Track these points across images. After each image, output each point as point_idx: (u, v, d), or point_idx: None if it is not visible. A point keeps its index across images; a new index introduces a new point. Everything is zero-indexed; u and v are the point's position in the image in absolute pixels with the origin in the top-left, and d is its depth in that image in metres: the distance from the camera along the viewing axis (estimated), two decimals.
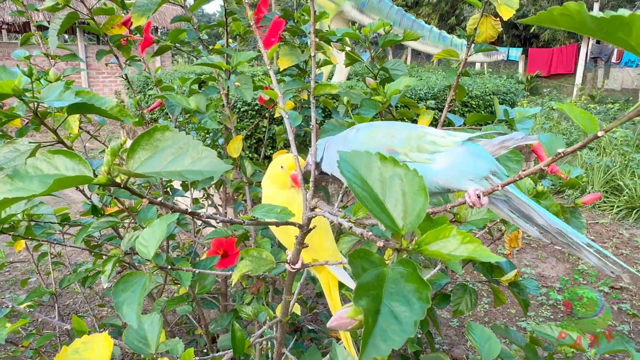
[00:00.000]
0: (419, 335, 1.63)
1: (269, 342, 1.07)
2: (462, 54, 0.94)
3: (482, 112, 4.07)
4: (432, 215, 0.53)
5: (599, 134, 0.40)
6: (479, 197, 0.53)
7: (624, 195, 4.28)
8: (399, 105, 0.99)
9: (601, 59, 11.38)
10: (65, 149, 0.43)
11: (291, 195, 0.77)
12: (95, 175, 0.42)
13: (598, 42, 12.12)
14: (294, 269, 0.67)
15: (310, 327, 1.81)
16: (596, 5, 10.96)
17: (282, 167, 0.77)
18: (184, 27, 1.36)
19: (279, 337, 0.77)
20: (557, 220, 0.58)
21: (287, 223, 0.59)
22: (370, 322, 0.34)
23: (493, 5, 0.83)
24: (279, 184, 0.78)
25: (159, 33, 10.08)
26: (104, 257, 1.43)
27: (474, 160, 0.59)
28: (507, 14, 0.80)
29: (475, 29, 0.89)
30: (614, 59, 11.03)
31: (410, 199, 0.40)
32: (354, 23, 5.77)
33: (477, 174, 0.58)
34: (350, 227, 0.48)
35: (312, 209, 0.62)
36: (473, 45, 0.91)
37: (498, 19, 0.86)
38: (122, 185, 0.42)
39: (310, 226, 0.63)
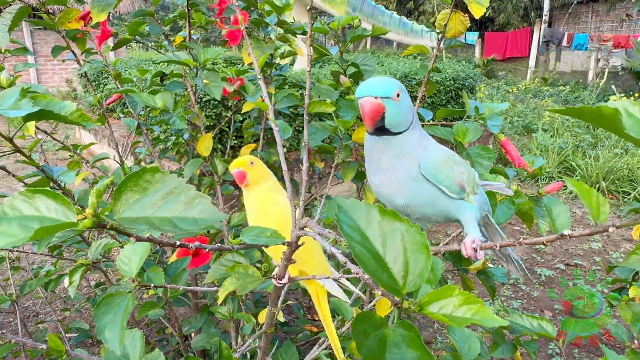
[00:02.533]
0: None
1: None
2: (422, 40, 0.95)
3: (443, 97, 4.14)
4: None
5: (610, 229, 0.41)
6: (475, 250, 0.59)
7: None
8: None
9: (553, 42, 11.76)
10: (47, 189, 0.39)
11: (282, 211, 0.74)
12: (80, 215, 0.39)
13: (549, 25, 12.51)
14: (280, 283, 0.67)
15: (283, 320, 1.81)
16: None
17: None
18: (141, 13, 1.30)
19: (263, 346, 0.77)
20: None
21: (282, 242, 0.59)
22: None
23: (463, 1, 0.83)
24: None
25: (110, 17, 9.67)
26: (65, 259, 1.37)
27: (484, 202, 0.69)
28: (478, 12, 0.81)
29: (445, 25, 0.90)
30: (564, 43, 11.42)
31: (412, 257, 0.40)
32: (314, 8, 5.70)
33: (485, 210, 0.70)
34: (345, 262, 0.48)
35: (302, 228, 0.62)
36: (443, 40, 0.92)
37: (467, 14, 0.87)
38: (108, 227, 0.40)
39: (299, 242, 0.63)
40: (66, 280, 0.95)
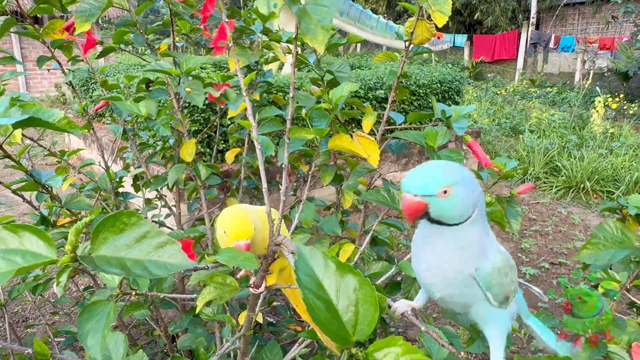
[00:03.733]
0: None
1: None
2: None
3: (429, 100, 4.20)
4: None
5: None
6: None
7: (561, 176, 4.55)
8: (345, 106, 1.03)
9: (540, 44, 11.91)
10: (34, 226, 0.43)
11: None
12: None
13: (537, 28, 12.67)
14: (257, 292, 0.70)
15: (269, 321, 1.85)
16: None
17: (224, 232, 0.70)
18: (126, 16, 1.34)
19: (242, 347, 0.80)
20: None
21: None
22: None
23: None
24: (221, 245, 0.73)
25: (99, 21, 9.65)
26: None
27: (521, 301, 0.68)
28: (440, 20, 0.85)
29: (412, 32, 0.94)
30: (551, 45, 11.58)
31: (362, 308, 0.43)
32: None
33: (520, 310, 0.69)
34: None
35: (277, 245, 0.66)
36: (411, 47, 0.96)
37: (432, 22, 0.91)
38: (82, 264, 0.43)
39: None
40: (55, 285, 0.97)
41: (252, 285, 0.71)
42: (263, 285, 0.71)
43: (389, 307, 0.67)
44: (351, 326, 0.43)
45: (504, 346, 0.62)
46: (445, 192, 0.53)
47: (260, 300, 0.95)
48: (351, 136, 0.90)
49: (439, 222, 0.55)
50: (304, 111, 0.88)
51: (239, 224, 0.68)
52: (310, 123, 0.87)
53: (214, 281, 0.70)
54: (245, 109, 0.80)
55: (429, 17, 0.96)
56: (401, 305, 0.67)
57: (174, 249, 0.43)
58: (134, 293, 0.83)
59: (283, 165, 0.77)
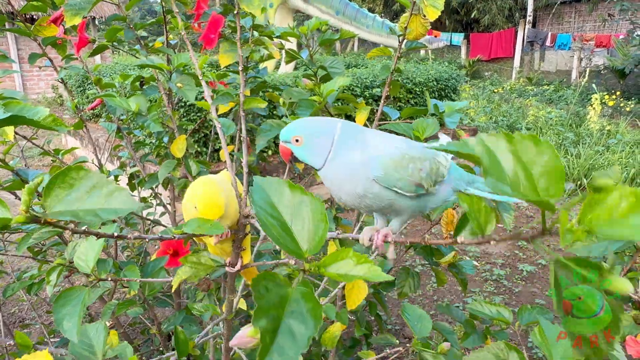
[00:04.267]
0: (369, 319, 1.70)
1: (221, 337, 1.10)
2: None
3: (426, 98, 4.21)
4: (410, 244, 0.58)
5: (492, 242, 0.47)
6: (388, 242, 0.64)
7: None
8: (338, 101, 1.03)
9: (537, 42, 11.93)
10: None
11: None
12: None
13: (533, 26, 12.69)
14: (232, 270, 0.70)
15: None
16: None
17: (195, 207, 0.69)
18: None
19: (225, 333, 0.80)
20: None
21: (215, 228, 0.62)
22: (267, 341, 0.38)
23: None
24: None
25: (96, 22, 9.63)
26: (49, 263, 1.39)
27: (454, 182, 0.71)
28: (433, 15, 0.85)
29: (406, 27, 0.94)
30: (548, 43, 11.59)
31: (313, 225, 0.45)
32: (297, 12, 5.75)
33: (466, 180, 0.72)
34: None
35: (246, 217, 0.66)
36: (405, 42, 0.96)
37: (427, 18, 0.91)
38: (42, 222, 0.44)
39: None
40: (49, 288, 0.97)
41: (228, 265, 0.71)
42: (239, 264, 0.71)
43: (357, 240, 0.68)
44: (305, 241, 0.45)
45: (403, 220, 0.68)
46: (297, 140, 0.64)
47: (242, 285, 0.95)
48: None
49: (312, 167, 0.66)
50: (281, 100, 0.89)
51: (209, 201, 0.67)
52: (294, 111, 0.87)
53: (189, 261, 0.70)
54: (236, 105, 0.80)
55: (421, 10, 0.96)
56: (365, 232, 0.68)
57: (123, 194, 0.45)
58: (108, 278, 0.82)
59: (242, 138, 0.78)
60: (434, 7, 0.85)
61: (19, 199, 1.17)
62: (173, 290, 0.71)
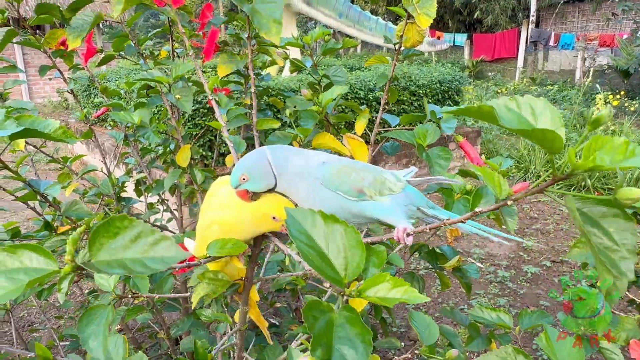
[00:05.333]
0: (374, 322, 1.71)
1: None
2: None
3: (430, 100, 4.22)
4: (372, 244, 0.62)
5: (509, 202, 0.50)
6: (408, 235, 0.67)
7: None
8: (342, 108, 1.04)
9: (540, 42, 11.91)
10: (31, 243, 0.45)
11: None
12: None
13: (537, 26, 12.67)
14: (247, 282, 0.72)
15: (271, 321, 1.86)
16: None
17: (274, 218, 0.71)
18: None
19: (238, 343, 0.82)
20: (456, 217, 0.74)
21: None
22: None
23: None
24: (262, 230, 0.72)
25: (100, 25, 9.68)
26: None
27: (410, 201, 0.74)
28: (425, 22, 0.87)
29: (402, 35, 0.96)
30: (551, 42, 11.57)
31: (350, 252, 0.48)
32: (299, 14, 5.77)
33: (410, 213, 0.75)
34: (300, 261, 0.54)
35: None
36: (402, 50, 0.98)
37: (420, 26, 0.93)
38: (85, 270, 0.45)
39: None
40: (60, 296, 0.99)
41: (245, 279, 0.74)
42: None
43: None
44: (343, 269, 0.48)
45: (401, 217, 0.72)
46: (244, 179, 0.70)
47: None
48: (341, 137, 0.93)
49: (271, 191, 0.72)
50: (287, 111, 0.91)
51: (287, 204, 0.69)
52: (298, 123, 0.89)
53: (206, 277, 0.72)
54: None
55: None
56: (397, 233, 0.71)
57: (168, 243, 0.45)
58: (129, 296, 0.84)
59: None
60: (426, 15, 0.87)
61: (27, 205, 1.19)
62: (193, 307, 0.73)
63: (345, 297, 0.47)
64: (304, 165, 0.72)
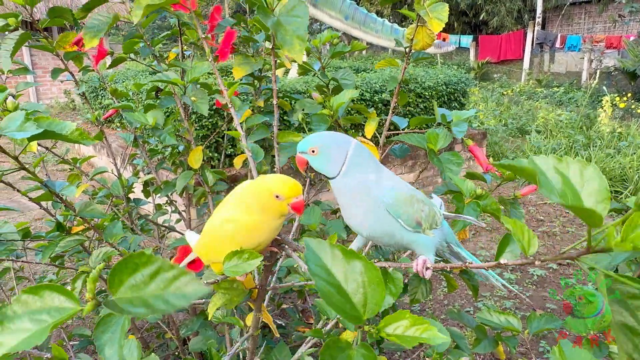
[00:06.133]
0: None
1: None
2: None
3: (436, 101, 4.22)
4: (388, 267, 0.64)
5: (536, 263, 0.49)
6: (427, 269, 0.69)
7: None
8: (351, 111, 1.05)
9: (546, 44, 11.86)
10: (49, 283, 0.46)
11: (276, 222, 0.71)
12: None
13: (543, 27, 12.62)
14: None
15: (278, 322, 1.87)
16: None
17: (277, 196, 0.67)
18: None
19: (250, 347, 0.83)
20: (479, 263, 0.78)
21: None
22: None
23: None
24: (273, 214, 0.69)
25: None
26: (67, 269, 1.43)
27: (444, 236, 0.78)
28: (437, 27, 0.87)
29: (412, 39, 0.96)
30: (557, 44, 11.53)
31: (369, 288, 0.47)
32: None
33: (441, 248, 0.79)
34: None
35: (279, 244, 0.69)
36: (412, 53, 0.98)
37: (431, 30, 0.93)
38: (110, 306, 0.46)
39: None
40: (68, 289, 1.01)
41: (259, 287, 0.74)
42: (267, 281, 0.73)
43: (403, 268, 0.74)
44: (361, 306, 0.48)
45: (431, 251, 0.74)
46: (313, 151, 0.70)
47: (267, 302, 0.98)
48: None
49: (325, 177, 0.72)
50: (299, 116, 0.92)
51: (290, 182, 0.68)
52: (310, 127, 0.90)
53: (222, 287, 0.72)
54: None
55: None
56: (416, 263, 0.74)
57: (188, 278, 0.45)
58: None
59: (276, 169, 0.81)
60: (438, 19, 0.87)
61: (39, 206, 1.21)
62: (210, 318, 0.74)
63: (363, 333, 0.47)
64: (374, 181, 0.71)
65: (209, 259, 0.72)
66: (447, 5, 0.86)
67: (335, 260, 0.49)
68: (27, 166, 0.86)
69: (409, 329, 0.47)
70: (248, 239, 0.68)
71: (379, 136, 1.09)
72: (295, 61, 1.19)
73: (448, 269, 0.62)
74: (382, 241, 0.75)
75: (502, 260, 0.54)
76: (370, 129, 0.98)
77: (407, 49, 0.95)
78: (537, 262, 0.49)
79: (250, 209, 0.68)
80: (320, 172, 0.71)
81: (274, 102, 0.84)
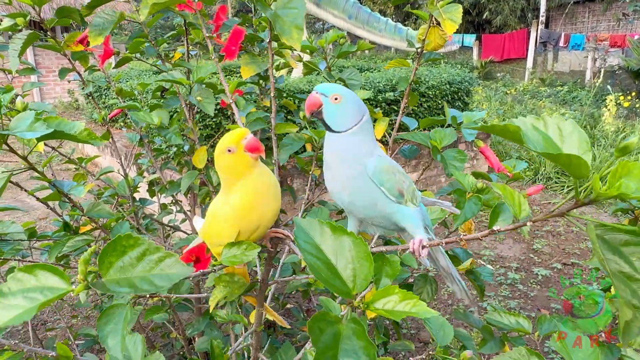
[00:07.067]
0: (386, 322, 1.71)
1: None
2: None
3: (439, 101, 4.21)
4: (387, 252, 0.63)
5: (528, 224, 0.50)
6: (423, 247, 0.67)
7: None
8: None
9: (550, 43, 11.82)
10: (44, 263, 0.48)
11: (254, 185, 0.69)
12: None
13: (546, 26, 12.58)
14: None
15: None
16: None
17: (229, 150, 0.66)
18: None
19: (254, 343, 0.83)
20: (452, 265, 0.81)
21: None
22: None
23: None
24: (240, 171, 0.68)
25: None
26: (72, 268, 1.43)
27: (423, 217, 0.76)
28: (451, 28, 0.87)
29: (424, 39, 0.96)
30: (561, 43, 11.48)
31: (358, 264, 0.48)
32: (308, 15, 5.76)
33: (426, 224, 0.77)
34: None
35: (275, 233, 0.68)
36: (423, 53, 0.98)
37: (444, 31, 0.93)
38: (98, 287, 0.47)
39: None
40: (82, 295, 1.01)
41: (261, 281, 0.75)
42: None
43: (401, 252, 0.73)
44: (351, 281, 0.48)
45: (421, 229, 0.73)
46: (336, 98, 0.69)
47: (269, 297, 0.97)
48: None
49: (329, 129, 0.70)
50: (301, 114, 0.92)
51: (232, 131, 0.68)
52: (315, 125, 0.89)
53: (222, 280, 0.72)
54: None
55: (438, 23, 0.98)
56: (413, 244, 0.72)
57: (172, 260, 0.47)
58: (147, 295, 0.85)
59: (273, 161, 0.80)
60: (452, 20, 0.87)
61: (46, 206, 1.21)
62: (211, 310, 0.74)
63: (353, 308, 0.47)
64: (369, 149, 0.71)
65: (212, 242, 0.73)
66: (460, 6, 0.85)
67: (324, 237, 0.50)
68: (34, 166, 0.86)
69: (398, 303, 0.47)
70: (247, 222, 0.68)
71: (388, 138, 1.08)
72: (295, 51, 1.19)
73: (443, 243, 0.62)
74: (364, 213, 0.74)
75: (495, 227, 0.55)
76: (380, 129, 0.97)
77: (419, 50, 0.95)
78: (528, 223, 0.50)
79: (227, 182, 0.69)
80: (330, 120, 0.70)
81: (271, 94, 0.84)
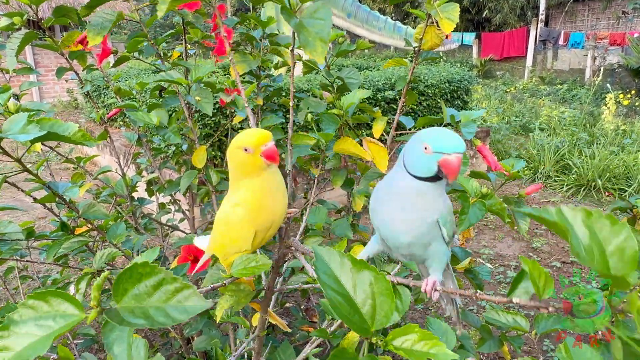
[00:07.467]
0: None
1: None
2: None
3: (438, 100, 4.21)
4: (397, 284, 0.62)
5: (550, 308, 0.48)
6: (435, 290, 0.65)
7: (572, 174, 4.52)
8: (355, 111, 1.05)
9: (549, 41, 11.82)
10: (55, 290, 0.47)
11: (267, 186, 0.68)
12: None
13: (546, 24, 12.58)
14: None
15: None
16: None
17: (246, 149, 0.65)
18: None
19: (256, 347, 0.83)
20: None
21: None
22: None
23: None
24: (250, 171, 0.67)
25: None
26: (70, 267, 1.43)
27: (449, 254, 0.73)
28: (448, 27, 0.86)
29: (421, 38, 0.96)
30: (561, 41, 11.48)
31: (379, 300, 0.47)
32: None
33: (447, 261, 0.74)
34: None
35: (287, 247, 0.68)
36: (420, 53, 0.98)
37: (441, 30, 0.92)
38: (112, 316, 0.46)
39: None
40: (72, 288, 1.01)
41: (268, 289, 0.74)
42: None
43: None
44: (370, 317, 0.47)
45: (441, 270, 0.71)
46: (426, 147, 0.62)
47: (272, 302, 0.97)
48: (360, 141, 0.92)
49: (431, 179, 0.64)
50: (309, 116, 0.91)
51: (254, 131, 0.65)
52: (318, 128, 0.89)
53: (229, 289, 0.72)
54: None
55: (436, 22, 0.97)
56: (425, 283, 0.70)
57: (190, 292, 0.46)
58: None
59: (287, 170, 0.80)
60: (449, 19, 0.86)
61: (44, 206, 1.21)
62: (218, 320, 0.74)
63: (370, 345, 0.47)
64: (444, 193, 0.67)
65: (227, 252, 0.71)
66: (457, 5, 0.85)
67: (344, 269, 0.48)
68: (30, 166, 0.86)
69: (417, 343, 0.46)
70: (262, 220, 0.67)
71: (386, 137, 1.08)
72: (301, 59, 1.18)
73: (456, 294, 0.61)
74: (414, 250, 0.70)
75: (515, 299, 0.52)
76: (378, 128, 0.97)
77: (416, 49, 0.95)
78: (550, 308, 0.48)
79: (235, 177, 0.68)
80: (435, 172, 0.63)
81: (291, 103, 0.83)
